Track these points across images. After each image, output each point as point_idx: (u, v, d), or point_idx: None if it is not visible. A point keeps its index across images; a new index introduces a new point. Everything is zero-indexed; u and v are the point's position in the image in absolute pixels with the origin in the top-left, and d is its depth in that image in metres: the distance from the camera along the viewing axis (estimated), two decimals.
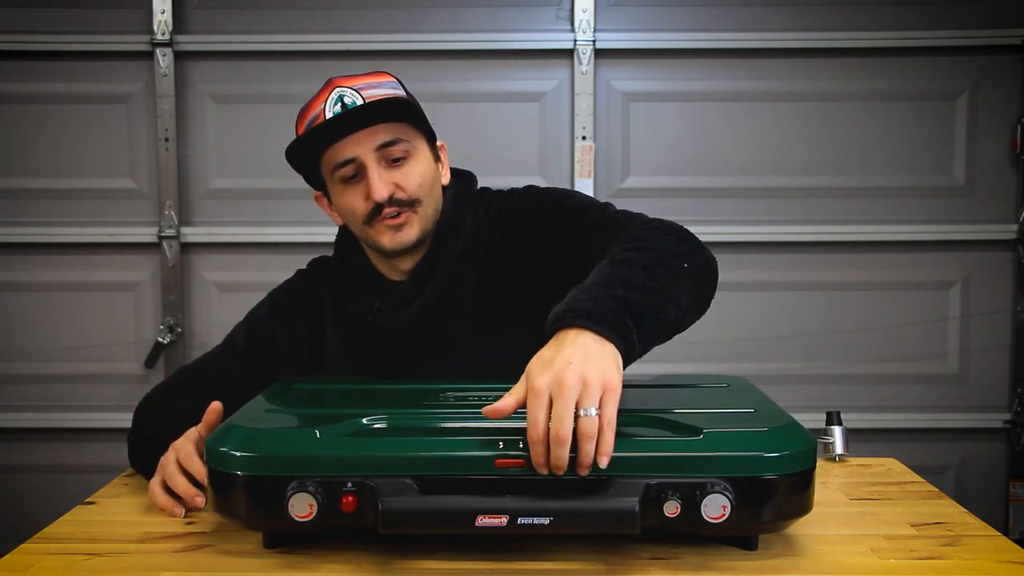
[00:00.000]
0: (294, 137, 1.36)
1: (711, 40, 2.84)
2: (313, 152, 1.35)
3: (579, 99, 2.83)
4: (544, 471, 0.94)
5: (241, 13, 2.86)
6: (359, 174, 1.33)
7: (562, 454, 0.92)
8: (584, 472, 0.94)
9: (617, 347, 1.00)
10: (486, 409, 0.97)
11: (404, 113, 1.33)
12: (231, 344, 1.51)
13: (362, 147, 1.31)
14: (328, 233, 2.66)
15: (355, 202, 1.34)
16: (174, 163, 2.86)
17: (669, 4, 2.85)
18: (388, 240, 1.35)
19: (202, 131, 2.89)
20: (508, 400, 0.97)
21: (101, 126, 2.89)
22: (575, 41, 2.82)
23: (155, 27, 2.82)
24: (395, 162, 1.33)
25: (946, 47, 2.82)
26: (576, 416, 0.92)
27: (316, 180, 1.40)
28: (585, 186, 2.79)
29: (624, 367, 1.00)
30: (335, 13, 2.85)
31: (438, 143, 1.43)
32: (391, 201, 1.32)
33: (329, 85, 1.34)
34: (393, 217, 1.33)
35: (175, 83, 2.84)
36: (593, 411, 0.92)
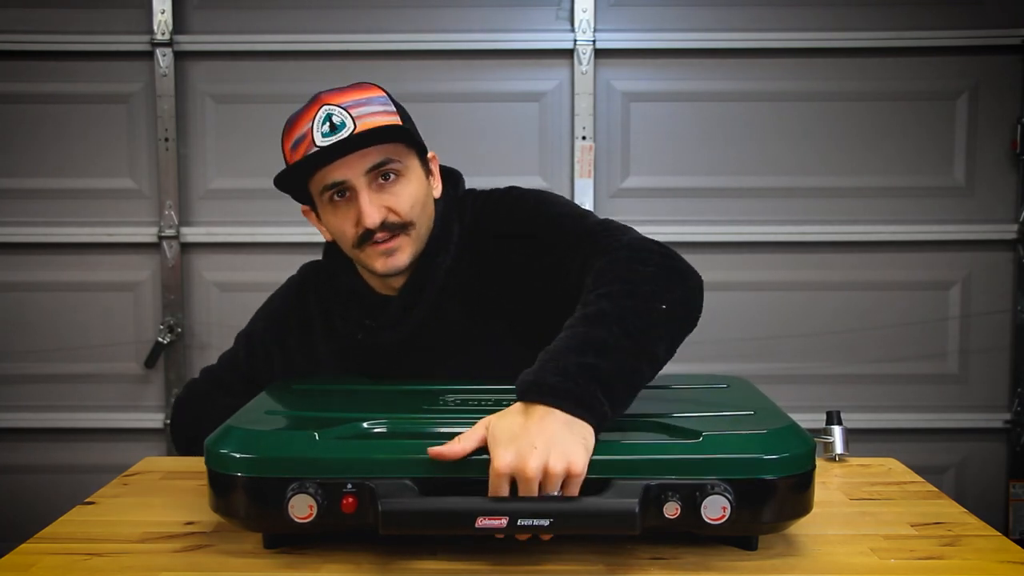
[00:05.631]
0: (281, 149, 1.34)
1: (711, 40, 2.84)
2: (301, 177, 1.32)
3: (579, 99, 2.83)
4: None
5: (241, 13, 2.86)
6: (349, 195, 1.29)
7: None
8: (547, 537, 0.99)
9: (588, 422, 0.98)
10: (432, 450, 0.96)
11: (393, 137, 1.29)
12: (234, 358, 1.52)
13: (352, 170, 1.27)
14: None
15: (345, 226, 1.30)
16: (174, 163, 2.86)
17: (669, 4, 2.85)
18: (380, 265, 1.31)
19: (202, 131, 2.89)
20: (457, 448, 0.96)
21: (101, 126, 2.89)
22: (575, 41, 2.82)
23: (155, 27, 2.82)
24: (386, 180, 1.29)
25: (946, 47, 2.82)
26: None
27: (304, 196, 1.37)
28: (585, 186, 2.79)
29: (599, 432, 0.98)
30: (335, 13, 2.85)
31: (429, 155, 1.39)
32: (383, 226, 1.29)
33: (316, 102, 1.29)
34: (385, 242, 1.30)
35: (175, 83, 2.84)
36: (555, 495, 0.94)
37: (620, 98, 2.87)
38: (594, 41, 2.82)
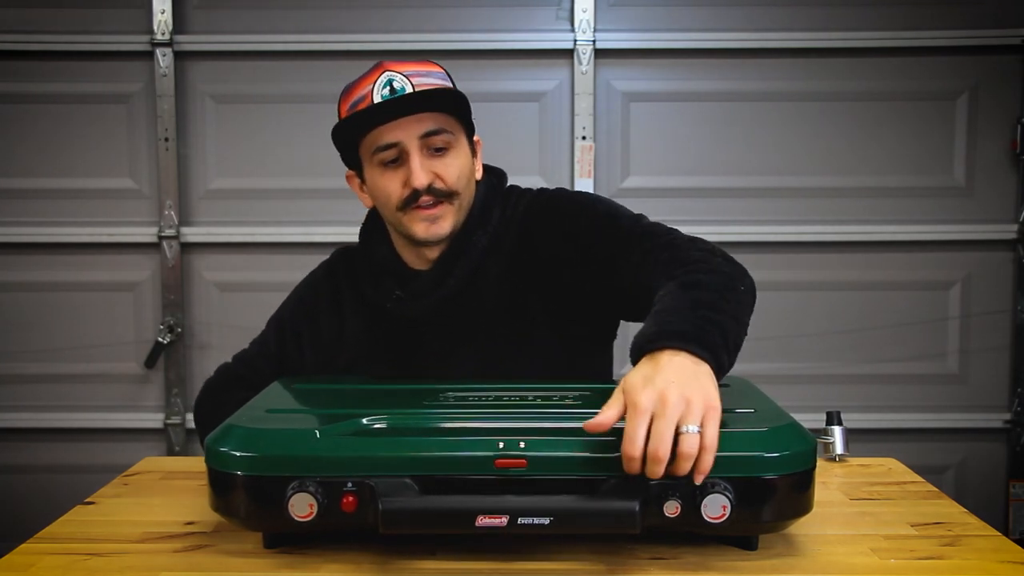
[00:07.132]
0: (337, 111, 1.37)
1: (711, 40, 2.84)
2: (356, 133, 1.35)
3: (579, 99, 2.83)
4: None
5: (241, 13, 2.86)
6: (400, 159, 1.33)
7: (657, 471, 0.92)
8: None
9: (712, 367, 1.00)
10: (587, 424, 0.95)
11: (451, 105, 1.34)
12: (264, 344, 1.53)
13: (407, 133, 1.31)
14: (328, 233, 2.69)
15: (392, 187, 1.34)
16: (174, 163, 2.86)
17: (669, 4, 2.85)
18: (422, 230, 1.35)
19: (202, 131, 2.89)
20: (608, 414, 0.95)
21: (101, 126, 2.89)
22: (575, 41, 2.82)
23: (155, 27, 2.82)
24: (436, 152, 1.33)
25: (946, 47, 2.82)
26: (677, 433, 0.92)
27: (352, 159, 1.41)
28: (585, 186, 2.79)
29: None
30: (335, 13, 2.85)
31: (475, 138, 1.44)
32: (429, 190, 1.33)
33: (379, 68, 1.34)
34: (429, 207, 1.33)
35: (175, 83, 2.84)
36: (695, 428, 0.92)
37: (620, 98, 2.87)
38: (594, 41, 2.82)
